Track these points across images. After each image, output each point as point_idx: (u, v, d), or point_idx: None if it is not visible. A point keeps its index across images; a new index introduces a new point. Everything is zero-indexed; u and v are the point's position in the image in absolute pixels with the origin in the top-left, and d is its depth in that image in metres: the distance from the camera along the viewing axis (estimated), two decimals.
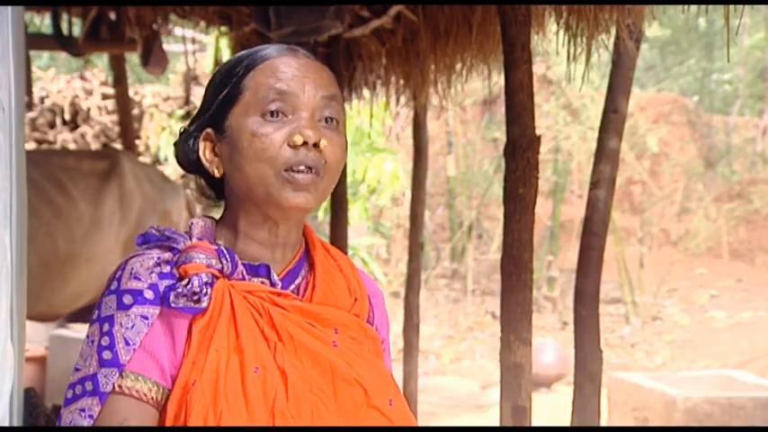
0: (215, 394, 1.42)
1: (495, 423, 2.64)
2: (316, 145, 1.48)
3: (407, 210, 5.99)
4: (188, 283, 1.46)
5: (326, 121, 1.52)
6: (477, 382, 9.68)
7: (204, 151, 1.55)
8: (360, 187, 9.12)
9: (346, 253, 4.60)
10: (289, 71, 1.51)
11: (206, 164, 1.55)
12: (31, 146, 8.46)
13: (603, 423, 6.65)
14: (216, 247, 1.51)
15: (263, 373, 1.45)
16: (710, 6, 2.43)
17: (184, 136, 1.58)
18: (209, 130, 1.54)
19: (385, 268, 12.03)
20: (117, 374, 1.45)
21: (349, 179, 7.95)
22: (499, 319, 2.60)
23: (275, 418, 1.43)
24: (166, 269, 1.49)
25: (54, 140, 9.06)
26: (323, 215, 8.99)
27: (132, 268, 1.49)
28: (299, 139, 1.47)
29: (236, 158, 1.50)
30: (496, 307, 8.54)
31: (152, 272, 1.48)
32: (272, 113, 1.49)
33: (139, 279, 1.48)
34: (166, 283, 1.48)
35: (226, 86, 1.53)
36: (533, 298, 2.61)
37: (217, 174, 1.55)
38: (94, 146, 8.92)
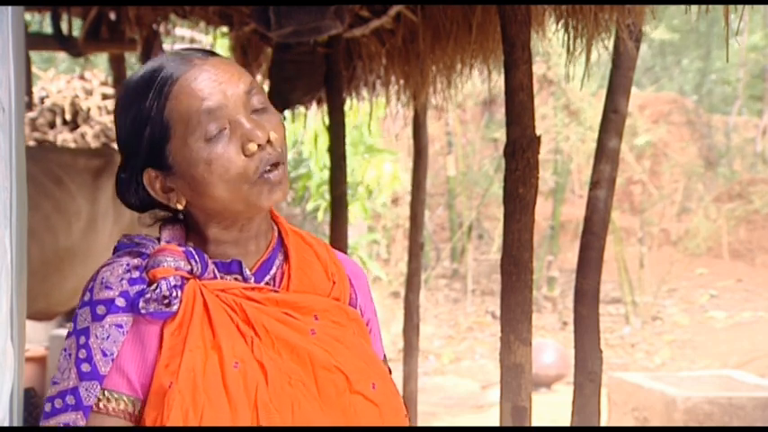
0: (194, 393, 1.42)
1: (495, 423, 2.64)
2: (268, 141, 1.48)
3: (407, 210, 5.99)
4: (156, 288, 1.45)
5: (257, 110, 1.50)
6: (477, 382, 9.69)
7: (156, 191, 1.51)
8: (358, 188, 9.11)
9: (346, 253, 4.60)
10: (203, 85, 1.47)
11: (163, 200, 1.52)
12: (30, 146, 8.45)
13: (603, 423, 6.65)
14: (184, 249, 1.50)
15: (244, 367, 1.45)
16: (710, 6, 2.43)
17: (123, 184, 1.54)
18: (150, 170, 1.50)
19: (385, 268, 12.03)
20: (98, 387, 1.45)
21: (347, 179, 7.94)
22: (499, 319, 2.59)
23: (258, 410, 1.43)
24: (136, 275, 1.49)
25: (54, 140, 9.05)
26: (322, 215, 8.99)
27: (103, 278, 1.49)
28: (253, 147, 1.46)
29: (198, 188, 1.48)
30: (496, 307, 8.54)
31: (122, 279, 1.48)
32: (213, 136, 1.46)
33: (110, 288, 1.47)
34: (137, 288, 1.47)
35: (144, 126, 1.47)
36: (533, 298, 2.61)
37: (180, 206, 1.52)
38: (94, 146, 8.91)
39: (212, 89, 1.47)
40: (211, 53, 1.53)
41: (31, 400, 3.73)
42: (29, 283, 2.14)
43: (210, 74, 1.48)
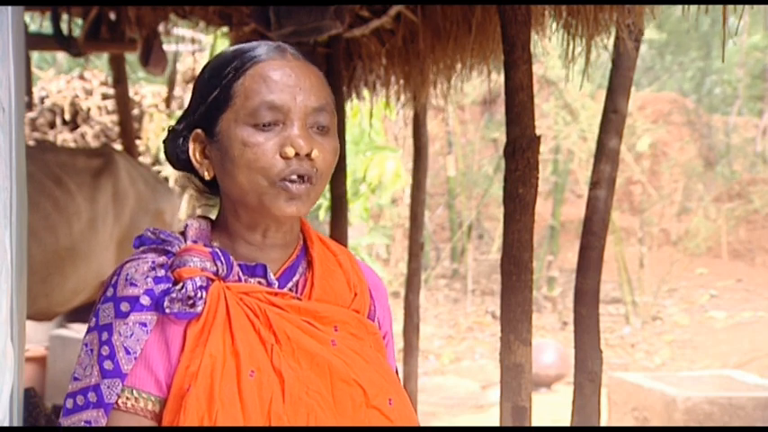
0: (210, 399, 1.41)
1: (495, 423, 2.64)
2: (308, 155, 1.47)
3: (407, 210, 5.99)
4: (182, 288, 1.45)
5: (318, 128, 1.51)
6: (477, 382, 9.68)
7: (194, 153, 1.54)
8: (360, 186, 9.10)
9: None
10: (279, 79, 1.49)
11: (196, 165, 1.54)
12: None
13: (603, 423, 6.65)
14: (210, 250, 1.49)
15: (259, 377, 1.44)
16: (710, 6, 2.43)
17: (173, 134, 1.57)
18: (199, 131, 1.53)
19: (385, 268, 12.03)
20: (120, 385, 1.44)
21: (349, 179, 7.93)
22: (499, 319, 2.60)
23: (271, 421, 1.42)
24: (161, 273, 1.48)
25: (54, 140, 9.06)
26: (324, 215, 8.99)
27: (128, 274, 1.48)
28: (290, 152, 1.46)
29: (227, 165, 1.49)
30: (496, 307, 8.54)
31: (147, 276, 1.47)
32: (263, 124, 1.48)
33: (135, 285, 1.47)
34: (162, 287, 1.46)
35: (215, 88, 1.51)
36: (533, 298, 2.61)
37: (207, 176, 1.54)
38: (94, 145, 8.91)
39: (285, 87, 1.49)
40: (310, 59, 1.55)
41: (31, 400, 3.73)
42: (29, 283, 2.14)
43: (292, 73, 1.50)
